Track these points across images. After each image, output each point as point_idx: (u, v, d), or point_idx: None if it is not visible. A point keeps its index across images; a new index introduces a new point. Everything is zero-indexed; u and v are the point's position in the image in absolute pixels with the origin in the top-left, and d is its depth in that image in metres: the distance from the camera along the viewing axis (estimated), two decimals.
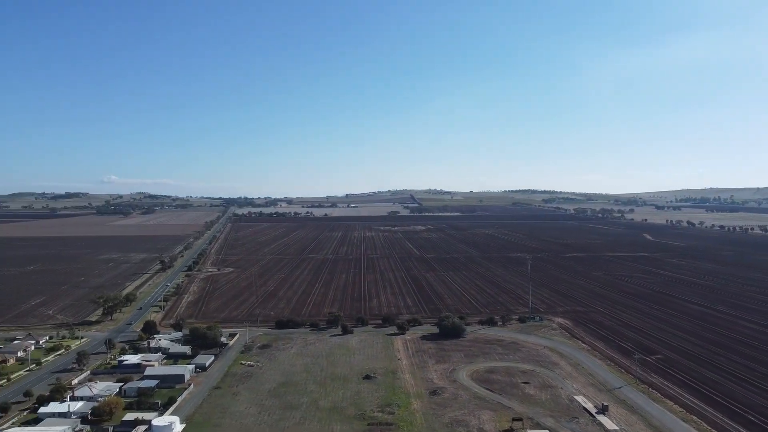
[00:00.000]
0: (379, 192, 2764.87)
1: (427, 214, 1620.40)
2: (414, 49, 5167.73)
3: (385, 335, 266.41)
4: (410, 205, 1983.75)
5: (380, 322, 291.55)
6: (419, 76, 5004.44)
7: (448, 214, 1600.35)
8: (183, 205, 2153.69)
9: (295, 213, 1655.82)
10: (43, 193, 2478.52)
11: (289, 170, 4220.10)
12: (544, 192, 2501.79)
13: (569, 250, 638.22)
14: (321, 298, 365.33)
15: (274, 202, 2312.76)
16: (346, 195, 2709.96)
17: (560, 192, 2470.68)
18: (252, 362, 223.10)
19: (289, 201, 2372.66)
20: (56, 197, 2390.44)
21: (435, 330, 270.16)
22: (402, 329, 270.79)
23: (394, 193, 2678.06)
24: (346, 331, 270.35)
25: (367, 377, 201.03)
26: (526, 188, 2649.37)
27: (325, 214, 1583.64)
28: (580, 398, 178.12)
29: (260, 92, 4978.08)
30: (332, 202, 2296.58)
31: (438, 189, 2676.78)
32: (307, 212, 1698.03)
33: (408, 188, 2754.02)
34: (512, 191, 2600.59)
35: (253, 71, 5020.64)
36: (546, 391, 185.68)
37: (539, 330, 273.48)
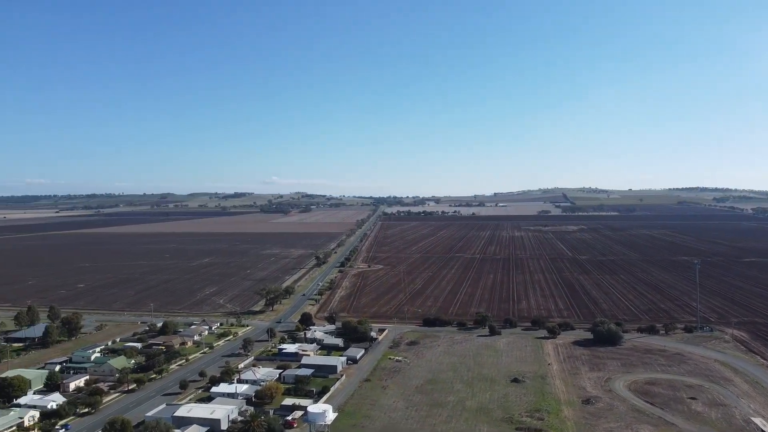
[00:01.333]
0: (529, 191, 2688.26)
1: (580, 213, 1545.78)
2: (578, 39, 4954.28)
3: (535, 338, 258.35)
4: (562, 204, 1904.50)
5: (529, 324, 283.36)
6: (577, 68, 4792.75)
7: (604, 213, 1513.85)
8: (336, 203, 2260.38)
9: (443, 212, 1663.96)
10: (216, 193, 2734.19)
11: (437, 170, 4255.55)
12: (716, 190, 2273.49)
13: (746, 254, 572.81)
14: (468, 297, 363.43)
15: (422, 201, 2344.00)
16: (494, 194, 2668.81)
17: (735, 190, 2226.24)
18: (400, 358, 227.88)
19: (437, 200, 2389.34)
20: (226, 197, 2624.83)
21: (588, 336, 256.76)
22: (552, 333, 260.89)
23: (545, 191, 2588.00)
24: (493, 331, 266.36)
25: (515, 380, 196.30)
26: (694, 186, 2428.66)
27: (473, 213, 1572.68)
28: (758, 420, 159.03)
29: (414, 95, 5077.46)
30: (480, 201, 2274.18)
31: (593, 187, 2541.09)
32: (455, 211, 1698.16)
33: (560, 186, 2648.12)
34: (677, 189, 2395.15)
35: (402, 75, 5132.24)
36: (716, 409, 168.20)
37: (708, 341, 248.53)
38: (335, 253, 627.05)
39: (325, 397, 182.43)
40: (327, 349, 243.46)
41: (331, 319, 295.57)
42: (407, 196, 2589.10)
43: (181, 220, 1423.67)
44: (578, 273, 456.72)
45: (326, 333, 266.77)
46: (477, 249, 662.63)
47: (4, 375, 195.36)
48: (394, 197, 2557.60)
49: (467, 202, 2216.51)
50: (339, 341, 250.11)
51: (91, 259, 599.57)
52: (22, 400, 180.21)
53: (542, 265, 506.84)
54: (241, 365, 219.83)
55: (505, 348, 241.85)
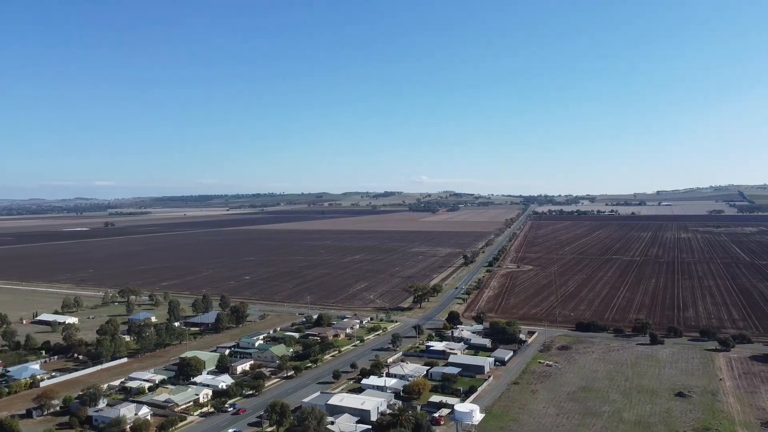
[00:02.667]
0: (698, 188, 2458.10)
1: (760, 213, 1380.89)
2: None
3: (703, 350, 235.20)
4: (738, 203, 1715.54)
5: (697, 334, 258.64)
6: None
7: None
8: (485, 202, 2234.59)
9: (598, 211, 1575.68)
10: (367, 192, 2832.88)
11: (592, 167, 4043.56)
12: None
13: None
14: (626, 302, 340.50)
15: (575, 199, 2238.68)
16: (657, 192, 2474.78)
17: None
18: (551, 362, 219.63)
19: (592, 198, 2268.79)
20: (377, 195, 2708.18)
21: None
22: (725, 345, 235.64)
23: (717, 189, 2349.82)
24: (655, 340, 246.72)
25: (680, 394, 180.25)
26: None
27: (632, 213, 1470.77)
28: None
29: (569, 90, 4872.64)
30: (640, 199, 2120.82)
31: None
32: (612, 210, 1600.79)
33: (735, 183, 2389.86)
34: None
35: (560, 71, 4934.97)
36: None
37: None
38: (483, 252, 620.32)
39: (472, 397, 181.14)
40: (474, 348, 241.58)
41: (478, 319, 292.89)
42: (559, 195, 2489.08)
43: (335, 218, 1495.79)
44: (758, 280, 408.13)
45: (473, 333, 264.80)
46: (637, 251, 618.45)
47: (183, 355, 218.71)
48: (545, 196, 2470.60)
49: (626, 200, 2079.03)
50: (486, 341, 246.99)
51: (256, 253, 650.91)
52: (197, 379, 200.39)
53: (713, 270, 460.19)
54: (390, 360, 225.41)
55: (668, 358, 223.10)
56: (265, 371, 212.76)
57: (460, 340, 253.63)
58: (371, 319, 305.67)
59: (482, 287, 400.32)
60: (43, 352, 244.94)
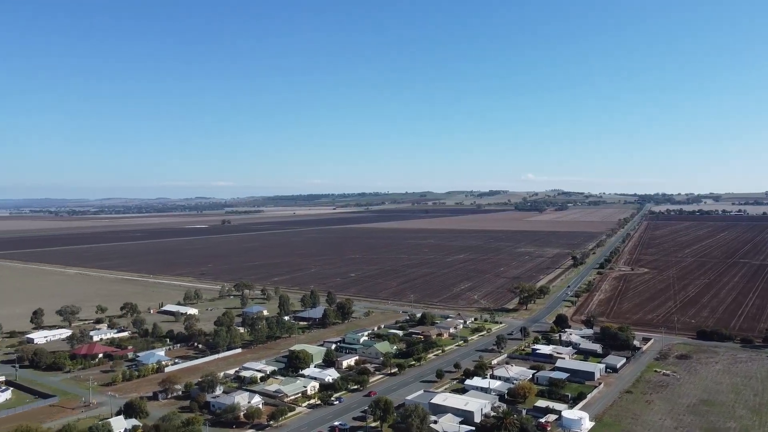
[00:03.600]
0: None
1: None
2: None
3: None
4: None
5: None
6: None
7: None
8: (596, 201, 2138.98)
9: (723, 211, 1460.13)
10: (471, 191, 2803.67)
11: (716, 162, 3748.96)
12: None
13: None
14: (756, 310, 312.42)
15: (697, 198, 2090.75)
16: None
17: None
18: (668, 371, 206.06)
19: (716, 198, 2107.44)
20: (481, 194, 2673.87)
21: None
22: None
23: None
24: None
25: None
26: None
27: (764, 213, 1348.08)
28: None
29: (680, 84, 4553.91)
30: None
31: None
32: (739, 210, 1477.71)
33: None
34: None
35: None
36: None
37: None
38: (594, 253, 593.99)
39: (581, 404, 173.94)
40: (583, 354, 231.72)
41: (588, 323, 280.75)
42: (678, 193, 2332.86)
43: (438, 217, 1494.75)
44: None
45: (583, 337, 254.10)
46: None
47: (293, 348, 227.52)
48: (663, 194, 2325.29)
49: (756, 199, 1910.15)
50: (597, 347, 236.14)
51: (361, 251, 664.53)
52: (306, 372, 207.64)
53: None
54: (494, 361, 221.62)
55: None
56: (370, 367, 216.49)
57: (568, 344, 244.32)
58: (475, 319, 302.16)
59: (593, 290, 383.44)
60: (168, 340, 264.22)
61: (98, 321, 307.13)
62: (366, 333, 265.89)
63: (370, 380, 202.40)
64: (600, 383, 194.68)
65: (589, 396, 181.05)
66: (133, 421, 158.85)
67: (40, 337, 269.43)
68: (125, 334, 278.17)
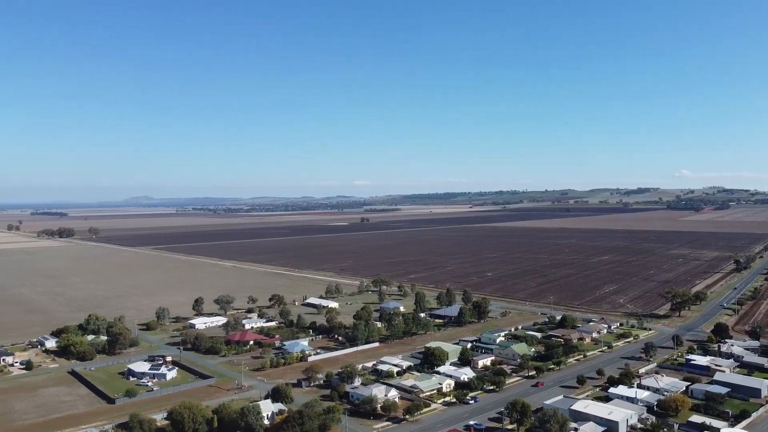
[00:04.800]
0: None
1: None
2: None
3: None
4: None
5: None
6: None
7: None
8: (763, 200, 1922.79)
9: None
10: (617, 189, 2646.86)
11: None
12: None
13: None
14: None
15: None
16: None
17: None
18: None
19: None
20: (629, 192, 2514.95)
21: None
22: None
23: None
24: None
25: None
26: None
27: None
28: None
29: None
30: None
31: None
32: None
33: None
34: None
35: None
36: None
37: None
38: (761, 257, 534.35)
39: (744, 423, 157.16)
40: (747, 367, 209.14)
41: (753, 334, 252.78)
42: None
43: (580, 216, 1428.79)
44: None
45: (747, 349, 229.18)
46: None
47: (428, 345, 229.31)
48: None
49: None
50: (764, 361, 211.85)
51: (497, 250, 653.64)
52: (441, 369, 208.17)
53: None
54: (642, 370, 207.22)
55: None
56: (506, 368, 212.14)
57: (729, 356, 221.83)
58: (620, 324, 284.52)
59: (759, 298, 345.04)
60: (311, 331, 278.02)
61: (249, 310, 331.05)
62: (502, 333, 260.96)
63: (507, 381, 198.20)
64: (767, 401, 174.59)
65: (754, 415, 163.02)
66: (280, 405, 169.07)
67: (200, 323, 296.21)
68: (273, 323, 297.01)
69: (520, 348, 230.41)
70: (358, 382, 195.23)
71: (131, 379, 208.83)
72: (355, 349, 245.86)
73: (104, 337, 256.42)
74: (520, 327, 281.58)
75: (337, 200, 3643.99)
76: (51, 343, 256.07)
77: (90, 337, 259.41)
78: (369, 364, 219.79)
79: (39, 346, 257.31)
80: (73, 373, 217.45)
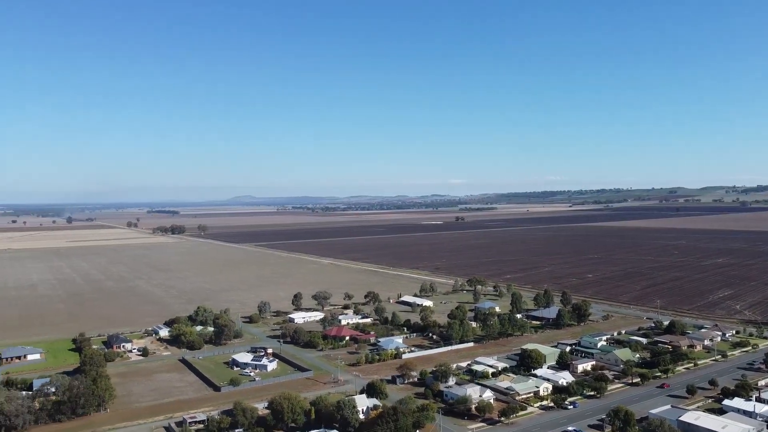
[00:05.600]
0: None
1: None
2: None
3: None
4: None
5: None
6: None
7: None
8: None
9: None
10: (733, 187, 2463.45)
11: None
12: None
13: None
14: None
15: None
16: None
17: None
18: None
19: None
20: (747, 190, 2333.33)
21: None
22: None
23: None
24: None
25: None
26: None
27: None
28: None
29: None
30: None
31: None
32: None
33: None
34: None
35: None
36: None
37: None
38: None
39: None
40: None
41: None
42: None
43: (691, 216, 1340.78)
44: None
45: None
46: None
47: (525, 347, 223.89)
48: None
49: None
50: None
51: (599, 251, 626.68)
52: (538, 372, 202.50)
53: None
54: (762, 382, 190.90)
55: None
56: (608, 374, 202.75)
57: None
58: (737, 332, 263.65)
59: None
60: (405, 328, 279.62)
61: (345, 307, 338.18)
62: (604, 338, 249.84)
63: (609, 388, 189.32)
64: None
65: None
66: (374, 401, 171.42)
67: (299, 317, 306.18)
68: (368, 320, 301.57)
69: (624, 353, 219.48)
70: (452, 381, 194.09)
71: (235, 368, 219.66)
72: (449, 348, 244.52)
73: (211, 328, 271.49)
74: (623, 331, 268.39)
75: (432, 199, 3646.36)
76: (164, 332, 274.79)
77: (198, 328, 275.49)
78: (463, 364, 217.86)
79: (153, 335, 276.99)
80: (183, 360, 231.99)
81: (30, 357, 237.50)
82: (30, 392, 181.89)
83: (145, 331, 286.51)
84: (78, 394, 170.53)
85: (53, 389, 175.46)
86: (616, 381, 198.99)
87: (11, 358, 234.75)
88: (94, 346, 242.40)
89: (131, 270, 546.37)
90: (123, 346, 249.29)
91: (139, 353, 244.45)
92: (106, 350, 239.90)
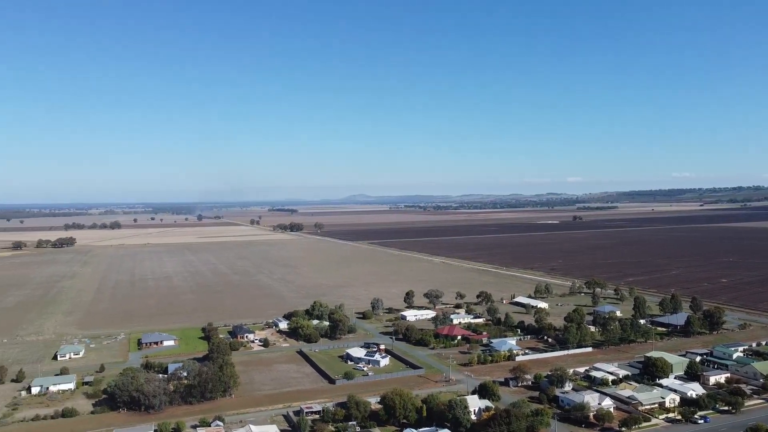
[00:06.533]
0: None
1: None
2: None
3: None
4: None
5: None
6: None
7: None
8: None
9: None
10: None
11: None
12: None
13: None
14: None
15: None
16: None
17: None
18: None
19: None
20: None
21: None
22: None
23: None
24: None
25: None
26: None
27: None
28: None
29: None
30: None
31: None
32: None
33: None
34: None
35: None
36: None
37: None
38: None
39: None
40: None
41: None
42: None
43: None
44: None
45: None
46: None
47: (649, 354, 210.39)
48: None
49: None
50: None
51: (736, 253, 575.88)
52: (663, 382, 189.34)
53: None
54: None
55: None
56: (745, 388, 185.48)
57: None
58: None
59: None
60: (518, 330, 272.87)
61: (457, 306, 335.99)
62: (741, 348, 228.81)
63: (746, 403, 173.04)
64: None
65: None
66: (486, 402, 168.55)
67: (410, 315, 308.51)
68: (480, 320, 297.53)
69: (764, 366, 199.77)
70: (568, 386, 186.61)
71: (349, 362, 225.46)
72: (565, 352, 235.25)
73: (326, 323, 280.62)
74: (763, 342, 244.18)
75: (547, 198, 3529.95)
76: (283, 325, 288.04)
77: (315, 322, 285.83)
78: (581, 369, 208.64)
79: (273, 327, 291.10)
80: (300, 352, 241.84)
81: (165, 343, 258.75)
82: (165, 375, 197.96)
83: (266, 323, 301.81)
84: (207, 379, 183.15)
85: (185, 374, 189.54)
86: (755, 396, 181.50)
87: (150, 344, 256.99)
88: (221, 336, 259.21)
89: (254, 265, 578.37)
90: (246, 336, 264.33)
91: (261, 344, 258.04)
92: (231, 339, 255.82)
